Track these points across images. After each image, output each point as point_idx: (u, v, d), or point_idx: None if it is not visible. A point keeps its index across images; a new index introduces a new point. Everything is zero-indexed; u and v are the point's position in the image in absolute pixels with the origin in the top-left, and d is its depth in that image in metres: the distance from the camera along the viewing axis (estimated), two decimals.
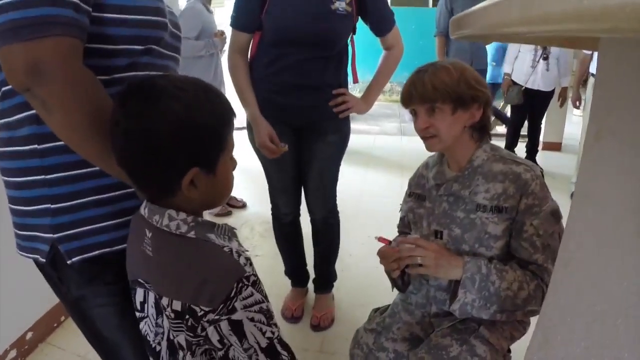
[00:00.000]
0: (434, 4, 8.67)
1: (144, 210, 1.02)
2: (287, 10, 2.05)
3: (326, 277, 2.83)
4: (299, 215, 2.68)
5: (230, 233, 1.02)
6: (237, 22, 2.14)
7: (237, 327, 0.92)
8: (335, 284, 2.88)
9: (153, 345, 1.08)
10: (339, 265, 2.84)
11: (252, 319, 0.93)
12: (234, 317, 0.91)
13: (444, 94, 1.42)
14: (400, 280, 1.69)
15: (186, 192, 0.94)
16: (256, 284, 0.94)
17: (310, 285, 2.92)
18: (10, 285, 2.28)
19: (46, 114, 0.95)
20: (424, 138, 1.51)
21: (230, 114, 0.99)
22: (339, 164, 2.47)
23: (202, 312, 0.91)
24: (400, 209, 1.79)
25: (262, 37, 2.15)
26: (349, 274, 3.12)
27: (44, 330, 2.58)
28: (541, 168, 5.35)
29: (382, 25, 2.28)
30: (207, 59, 3.77)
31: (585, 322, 0.72)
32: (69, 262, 1.11)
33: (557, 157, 6.22)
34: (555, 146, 6.46)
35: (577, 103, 5.16)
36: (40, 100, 0.93)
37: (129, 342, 1.22)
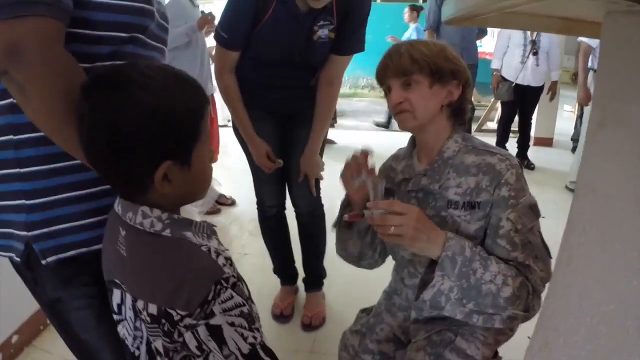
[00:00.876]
0: (424, 0, 8.68)
1: (117, 206, 0.97)
2: (273, 38, 2.03)
3: (315, 274, 2.80)
4: (284, 208, 2.66)
5: (209, 231, 0.96)
6: (231, 43, 2.07)
7: (216, 333, 0.86)
8: (325, 282, 2.85)
9: (132, 350, 1.02)
10: (328, 264, 2.81)
11: (232, 324, 0.87)
12: (213, 321, 0.86)
13: (422, 65, 1.31)
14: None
15: (159, 187, 0.89)
16: (236, 285, 0.88)
17: (301, 285, 2.89)
18: None
19: (23, 99, 0.90)
20: (397, 114, 1.38)
21: (203, 101, 0.93)
22: (321, 151, 2.46)
23: (179, 317, 0.86)
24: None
25: (246, 48, 2.12)
26: (339, 272, 3.03)
27: (29, 334, 2.53)
28: (533, 163, 5.40)
29: (351, 44, 2.17)
30: (193, 51, 3.68)
31: (590, 324, 0.67)
32: (43, 262, 1.05)
33: (549, 152, 6.23)
34: (546, 141, 6.46)
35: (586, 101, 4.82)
36: (17, 84, 0.88)
37: (108, 346, 1.17)
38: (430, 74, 1.32)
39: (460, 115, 1.43)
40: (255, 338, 0.90)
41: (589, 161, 0.74)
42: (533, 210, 1.30)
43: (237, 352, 0.88)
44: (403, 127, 1.41)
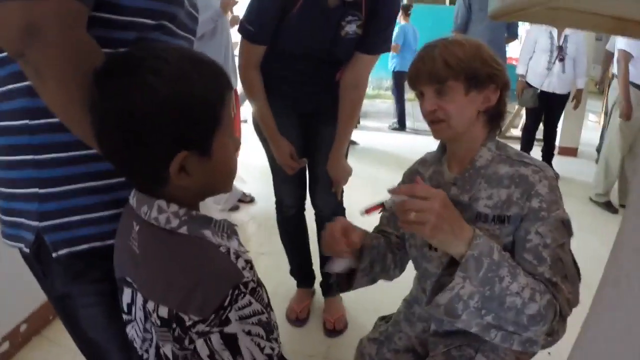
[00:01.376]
0: (452, 2, 8.59)
1: (132, 199, 0.92)
2: (300, 33, 1.98)
3: None
4: (303, 209, 2.60)
5: (229, 230, 0.90)
6: (256, 36, 2.01)
7: (231, 342, 0.80)
8: None
9: (140, 353, 0.97)
10: None
11: (248, 333, 0.81)
12: (228, 329, 0.79)
13: (456, 70, 1.21)
14: (343, 276, 1.43)
15: (176, 180, 0.83)
16: (255, 291, 0.82)
17: (318, 289, 2.85)
18: (5, 275, 2.21)
19: (39, 83, 0.86)
20: (431, 123, 1.30)
21: (224, 86, 0.87)
22: (346, 153, 2.39)
23: (191, 322, 0.80)
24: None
25: (272, 41, 2.06)
26: None
27: (38, 323, 2.52)
28: (557, 173, 5.30)
29: (377, 43, 2.10)
30: (217, 42, 3.62)
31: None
32: (54, 255, 1.01)
33: (574, 163, 6.14)
34: (571, 151, 6.36)
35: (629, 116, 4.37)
36: (33, 67, 0.84)
37: (117, 346, 1.12)
38: (466, 80, 1.23)
39: (497, 120, 1.34)
40: (272, 349, 0.84)
41: None
42: (565, 226, 1.20)
43: None
44: (438, 137, 1.34)
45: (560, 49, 4.99)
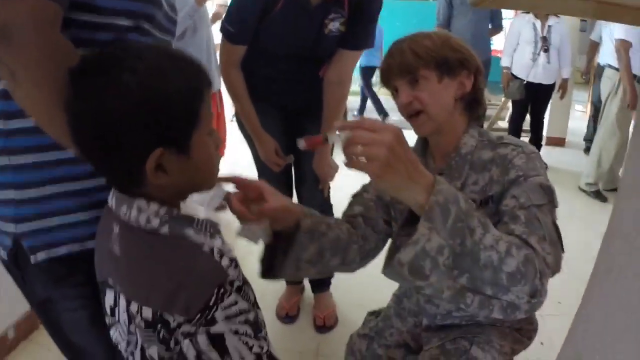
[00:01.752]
0: None
1: (111, 200, 0.90)
2: (282, 32, 1.98)
3: None
4: None
5: (212, 228, 0.88)
6: (237, 37, 1.99)
7: (218, 342, 0.79)
8: (332, 282, 2.77)
9: (125, 355, 0.95)
10: None
11: (235, 332, 0.80)
12: (214, 329, 0.78)
13: (426, 59, 1.21)
14: (267, 256, 1.24)
15: (152, 179, 0.81)
16: (241, 290, 0.81)
17: (306, 284, 2.83)
18: None
19: (14, 85, 0.84)
20: (409, 118, 1.27)
21: (203, 83, 0.85)
22: (332, 150, 2.38)
23: (176, 323, 0.78)
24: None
25: (254, 40, 2.05)
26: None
27: (26, 328, 2.49)
28: (545, 163, 5.30)
29: (361, 39, 2.09)
30: (197, 42, 3.59)
31: (636, 340, 0.60)
32: (32, 260, 0.99)
33: (562, 153, 6.18)
34: (559, 141, 6.39)
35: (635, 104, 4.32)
36: (8, 68, 0.82)
37: (102, 350, 1.09)
38: (437, 67, 1.22)
39: (475, 107, 1.32)
40: (261, 347, 0.83)
41: (634, 160, 0.66)
42: (544, 190, 1.12)
43: None
44: (420, 133, 1.32)
45: (545, 39, 4.99)
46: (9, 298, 2.27)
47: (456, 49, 1.25)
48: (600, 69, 5.24)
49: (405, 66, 1.23)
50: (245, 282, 0.84)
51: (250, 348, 0.81)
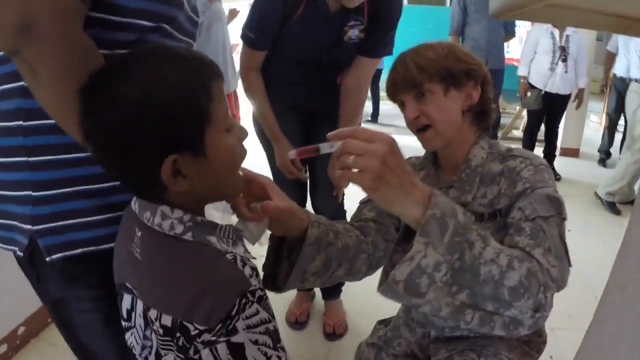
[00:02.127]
0: (452, 3, 8.58)
1: (134, 205, 0.89)
2: (301, 38, 1.99)
3: None
4: None
5: (235, 236, 0.87)
6: (257, 43, 2.02)
7: (238, 351, 0.77)
8: (342, 289, 2.77)
9: None
10: None
11: (255, 342, 0.78)
12: (234, 339, 0.76)
13: (430, 72, 1.20)
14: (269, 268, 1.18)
15: (172, 186, 0.80)
16: (262, 299, 0.79)
17: (317, 291, 2.82)
18: (2, 278, 2.18)
19: (34, 83, 0.84)
20: (417, 133, 1.26)
21: (209, 77, 0.82)
22: None
23: (197, 332, 0.76)
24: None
25: (272, 45, 2.07)
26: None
27: (36, 326, 2.51)
28: (559, 174, 5.27)
29: (379, 47, 2.11)
30: (214, 41, 3.60)
31: None
32: (48, 259, 0.98)
33: (576, 164, 6.08)
34: (573, 152, 6.31)
35: None
36: (29, 66, 0.82)
37: (112, 353, 1.10)
38: (442, 80, 1.22)
39: (483, 118, 1.31)
40: (279, 357, 0.81)
41: None
42: (551, 201, 1.10)
43: None
44: (428, 148, 1.31)
45: (563, 49, 4.96)
46: (20, 295, 2.28)
47: (461, 59, 1.24)
48: (618, 81, 5.21)
49: (409, 80, 1.22)
50: (264, 291, 0.83)
51: (269, 358, 0.80)
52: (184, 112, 0.78)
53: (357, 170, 0.85)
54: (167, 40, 1.05)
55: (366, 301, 2.82)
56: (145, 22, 0.98)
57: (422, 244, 0.86)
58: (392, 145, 0.86)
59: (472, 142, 1.29)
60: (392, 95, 1.30)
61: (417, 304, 0.90)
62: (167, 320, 0.80)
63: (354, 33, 1.99)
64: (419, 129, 1.26)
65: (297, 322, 2.67)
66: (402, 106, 1.29)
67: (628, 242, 0.66)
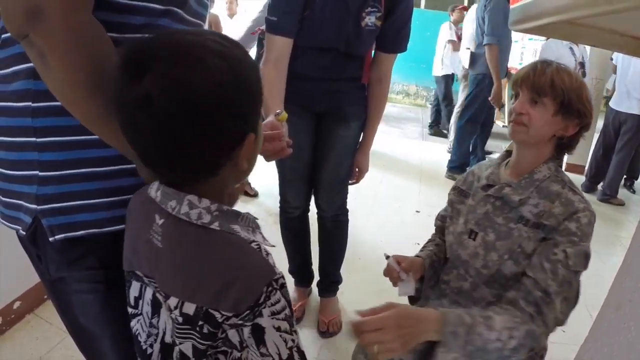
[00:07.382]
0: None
1: (155, 192, 0.87)
2: (323, 22, 2.01)
3: (332, 279, 2.73)
4: (308, 210, 2.60)
5: (254, 224, 0.88)
6: (279, 25, 1.98)
7: (259, 334, 0.79)
8: (339, 288, 2.78)
9: (144, 347, 0.95)
10: (345, 269, 2.74)
11: (278, 328, 0.80)
12: (259, 322, 0.79)
13: (557, 92, 1.35)
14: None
15: (241, 165, 0.83)
16: (284, 287, 0.81)
17: (315, 289, 2.83)
18: (1, 252, 2.21)
19: (42, 67, 0.84)
20: (513, 122, 1.43)
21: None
22: (354, 156, 2.39)
23: (223, 317, 0.78)
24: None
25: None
26: (356, 278, 3.02)
27: (32, 302, 2.53)
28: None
29: (397, 41, 2.18)
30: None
31: None
32: (51, 239, 0.99)
33: (578, 177, 6.02)
34: (579, 169, 6.25)
35: None
36: (37, 50, 0.82)
37: (109, 336, 1.10)
38: (560, 104, 1.36)
39: (564, 149, 1.48)
40: (293, 341, 0.83)
41: None
42: (586, 259, 1.31)
43: (276, 356, 0.81)
44: (513, 137, 1.46)
45: (582, 65, 4.96)
46: (17, 271, 2.31)
47: (582, 100, 1.38)
48: None
49: (539, 86, 1.37)
50: (285, 279, 0.84)
51: (286, 342, 0.81)
52: (256, 92, 0.81)
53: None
54: (177, 24, 1.04)
55: (363, 300, 2.81)
56: (155, 5, 0.97)
57: (443, 352, 1.20)
58: (398, 318, 1.17)
59: (544, 160, 1.45)
60: (516, 84, 1.44)
61: None
62: (189, 308, 0.81)
63: (370, 20, 2.03)
64: (516, 120, 1.42)
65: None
66: (516, 96, 1.45)
67: (627, 265, 0.67)
